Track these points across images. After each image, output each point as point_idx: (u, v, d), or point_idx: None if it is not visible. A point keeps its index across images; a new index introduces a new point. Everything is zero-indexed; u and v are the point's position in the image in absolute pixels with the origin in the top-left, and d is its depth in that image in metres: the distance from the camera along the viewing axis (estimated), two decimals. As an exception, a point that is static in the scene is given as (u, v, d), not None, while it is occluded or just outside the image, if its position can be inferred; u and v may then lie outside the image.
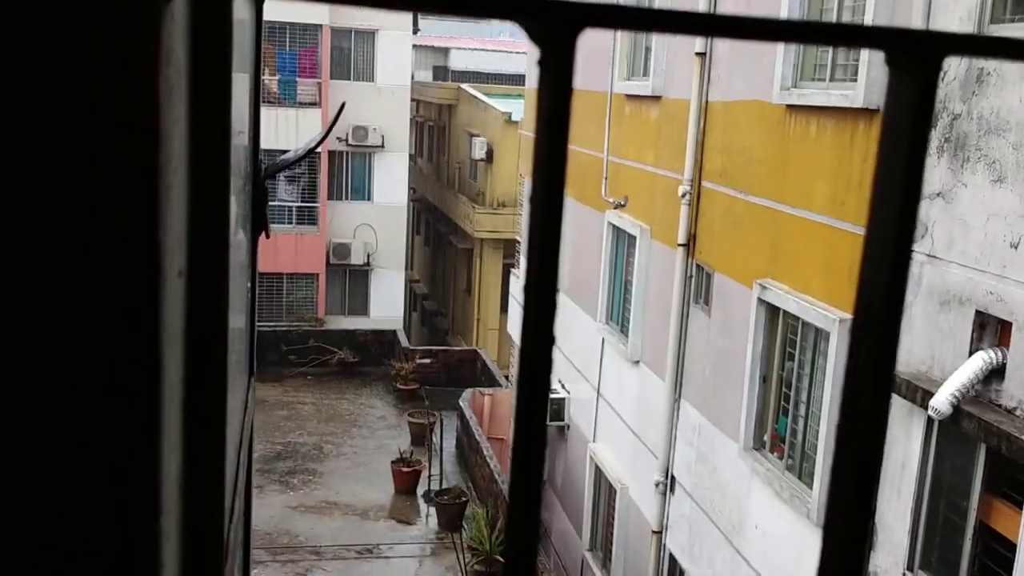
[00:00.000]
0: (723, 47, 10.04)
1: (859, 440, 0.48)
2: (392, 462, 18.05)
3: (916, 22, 6.87)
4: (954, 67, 6.54)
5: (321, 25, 25.30)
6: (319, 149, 25.23)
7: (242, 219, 1.42)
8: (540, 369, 0.46)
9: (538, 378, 0.47)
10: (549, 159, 0.46)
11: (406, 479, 17.83)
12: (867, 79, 7.40)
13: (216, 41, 0.65)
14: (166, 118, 0.47)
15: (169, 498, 0.61)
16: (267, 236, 1.81)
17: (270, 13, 25.50)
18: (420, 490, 17.85)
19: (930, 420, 6.53)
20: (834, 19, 8.17)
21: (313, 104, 25.35)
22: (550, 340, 0.48)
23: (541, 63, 0.45)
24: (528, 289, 0.47)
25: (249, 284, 1.69)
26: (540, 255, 0.48)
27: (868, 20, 7.41)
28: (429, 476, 17.70)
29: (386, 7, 0.43)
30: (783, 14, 8.62)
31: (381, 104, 26.46)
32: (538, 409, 0.49)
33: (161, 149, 0.45)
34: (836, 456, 0.50)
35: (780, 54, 8.68)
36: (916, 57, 0.46)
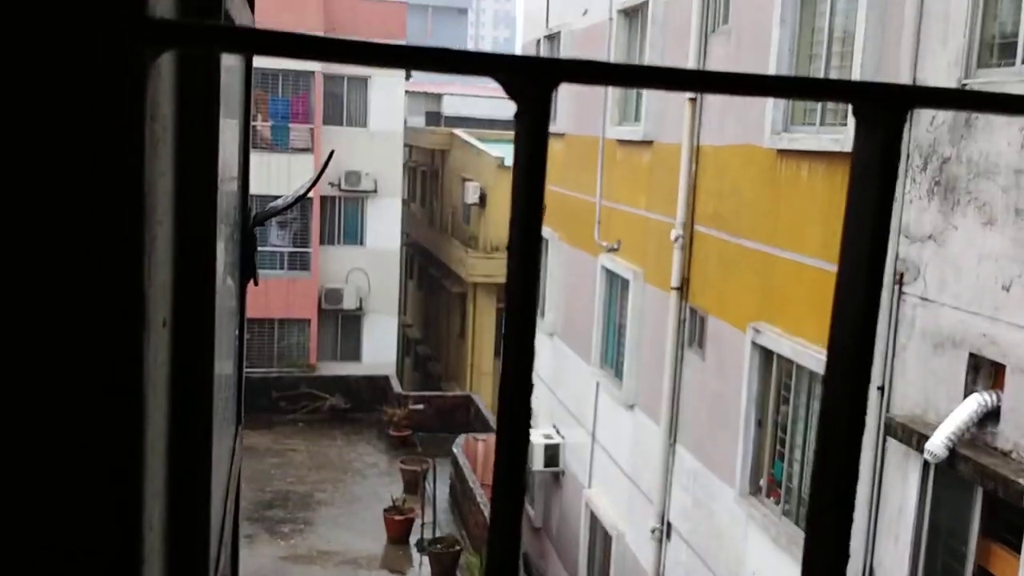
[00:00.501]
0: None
1: (836, 463, 0.48)
2: (384, 510, 17.86)
3: (904, 66, 6.97)
4: (942, 111, 6.63)
5: (314, 72, 25.54)
6: (311, 194, 25.33)
7: (231, 266, 1.41)
8: (519, 415, 0.46)
9: (518, 424, 0.47)
10: (526, 209, 0.46)
11: (399, 528, 17.63)
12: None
13: (203, 96, 0.65)
14: (151, 171, 0.47)
15: (152, 549, 0.60)
16: (255, 283, 1.80)
17: (262, 60, 25.82)
18: (413, 539, 17.64)
19: (926, 464, 6.50)
20: (823, 63, 8.28)
21: (306, 150, 25.49)
22: (528, 386, 0.48)
23: (517, 116, 0.46)
24: (508, 338, 0.47)
25: (237, 331, 1.69)
26: (519, 301, 0.48)
27: (856, 64, 7.51)
28: (422, 524, 17.50)
29: (368, 63, 0.44)
30: (772, 58, 8.74)
31: (374, 149, 26.63)
32: (518, 464, 0.49)
33: (146, 202, 0.45)
34: (814, 486, 0.49)
35: (770, 99, 8.78)
36: (881, 109, 0.47)
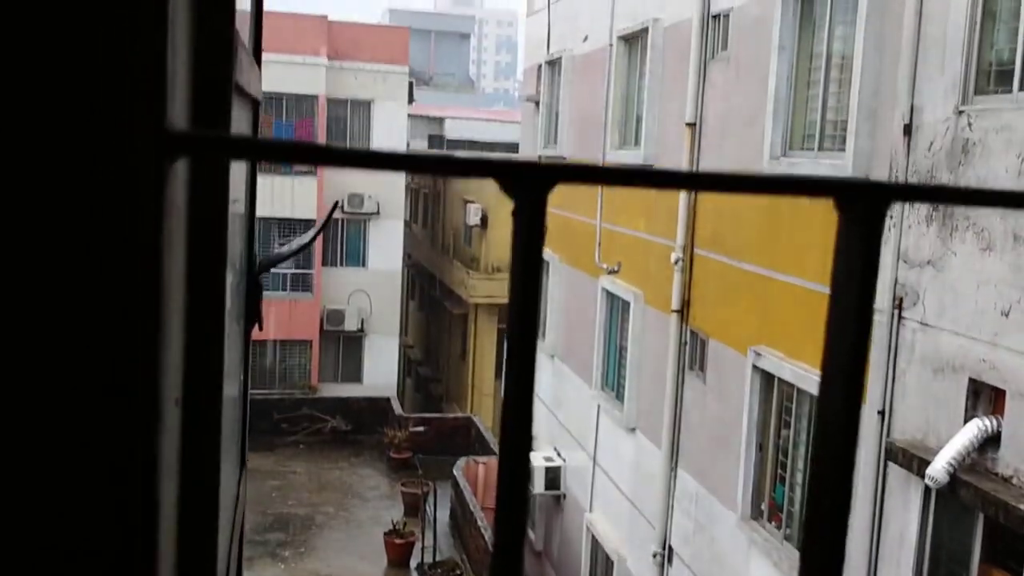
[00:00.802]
0: (713, 117, 10.22)
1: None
2: (385, 533, 17.79)
3: (902, 92, 7.01)
4: (939, 136, 6.66)
5: (317, 96, 25.69)
6: (313, 216, 25.40)
7: (236, 314, 1.44)
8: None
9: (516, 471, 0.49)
10: (523, 303, 0.49)
11: (399, 551, 17.56)
12: (855, 149, 7.53)
13: (214, 193, 0.68)
14: (166, 264, 0.50)
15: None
16: (260, 328, 1.83)
17: (267, 84, 25.79)
18: (413, 562, 17.56)
19: (927, 489, 6.49)
20: (821, 89, 8.33)
21: (309, 173, 25.59)
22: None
23: (515, 214, 0.49)
24: (503, 443, 0.49)
25: (242, 377, 1.71)
26: (515, 385, 0.50)
27: (854, 90, 7.56)
28: (423, 548, 17.43)
29: (370, 168, 0.47)
30: (771, 85, 8.80)
31: (376, 172, 26.70)
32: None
33: (161, 294, 0.48)
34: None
35: (769, 123, 8.84)
36: (862, 205, 0.50)
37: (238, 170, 1.43)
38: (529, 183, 0.49)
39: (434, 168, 0.49)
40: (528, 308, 0.50)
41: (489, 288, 25.49)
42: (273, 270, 25.97)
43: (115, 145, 0.45)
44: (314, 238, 2.62)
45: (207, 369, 0.73)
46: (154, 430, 0.49)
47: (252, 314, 1.70)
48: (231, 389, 1.30)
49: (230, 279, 1.28)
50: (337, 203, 3.38)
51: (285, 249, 2.61)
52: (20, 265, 0.46)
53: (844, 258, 0.52)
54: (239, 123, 1.23)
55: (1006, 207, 0.58)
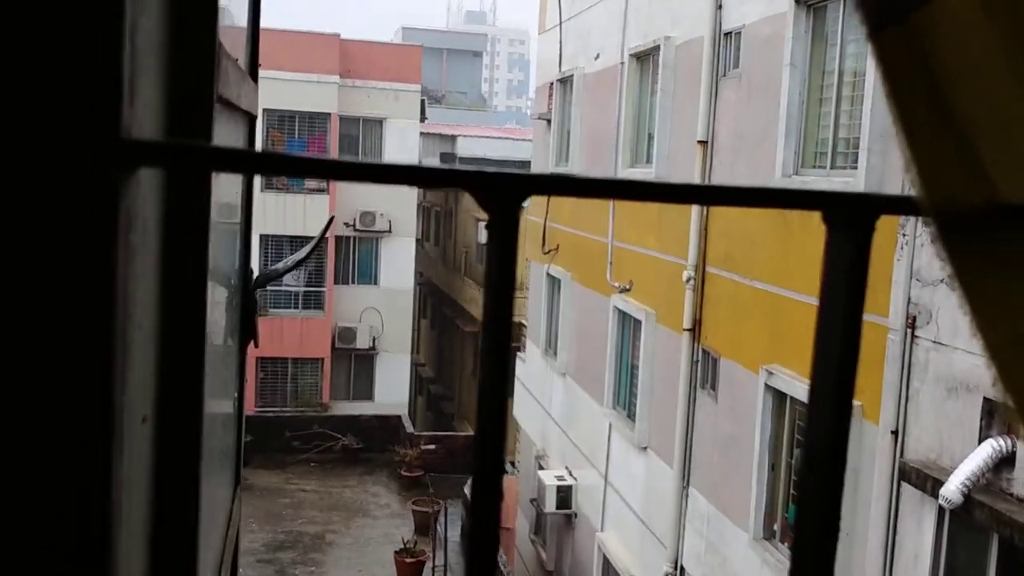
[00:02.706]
0: (725, 134, 10.21)
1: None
2: (395, 552, 17.73)
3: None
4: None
5: (330, 114, 25.82)
6: (326, 235, 25.48)
7: (230, 329, 1.43)
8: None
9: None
10: (494, 314, 0.47)
11: (410, 570, 17.49)
12: (867, 166, 7.49)
13: (193, 206, 0.67)
14: (127, 279, 0.48)
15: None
16: (256, 346, 1.82)
17: (280, 102, 25.75)
18: (425, 581, 17.49)
19: (941, 510, 6.42)
20: (833, 106, 8.31)
21: (321, 191, 25.70)
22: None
23: (488, 226, 0.48)
24: (478, 447, 0.47)
25: (236, 394, 1.70)
26: (490, 384, 0.49)
27: (867, 107, 7.54)
28: (433, 567, 17.36)
29: (341, 179, 0.45)
30: (783, 102, 8.78)
31: (388, 190, 26.74)
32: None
33: (116, 312, 0.46)
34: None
35: (781, 141, 8.82)
36: (850, 218, 0.48)
37: (231, 185, 1.42)
38: (502, 194, 0.48)
39: (404, 179, 0.48)
40: (501, 317, 0.48)
41: (501, 306, 25.47)
42: (285, 288, 26.06)
43: (63, 152, 0.43)
44: (310, 253, 2.61)
45: (184, 386, 0.71)
46: (108, 447, 0.47)
47: (247, 330, 1.69)
48: (221, 405, 1.29)
49: (224, 294, 1.26)
50: (332, 218, 3.39)
51: (281, 265, 2.61)
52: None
53: (832, 271, 0.50)
54: (228, 136, 1.22)
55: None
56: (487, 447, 0.48)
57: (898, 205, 0.50)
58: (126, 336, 0.51)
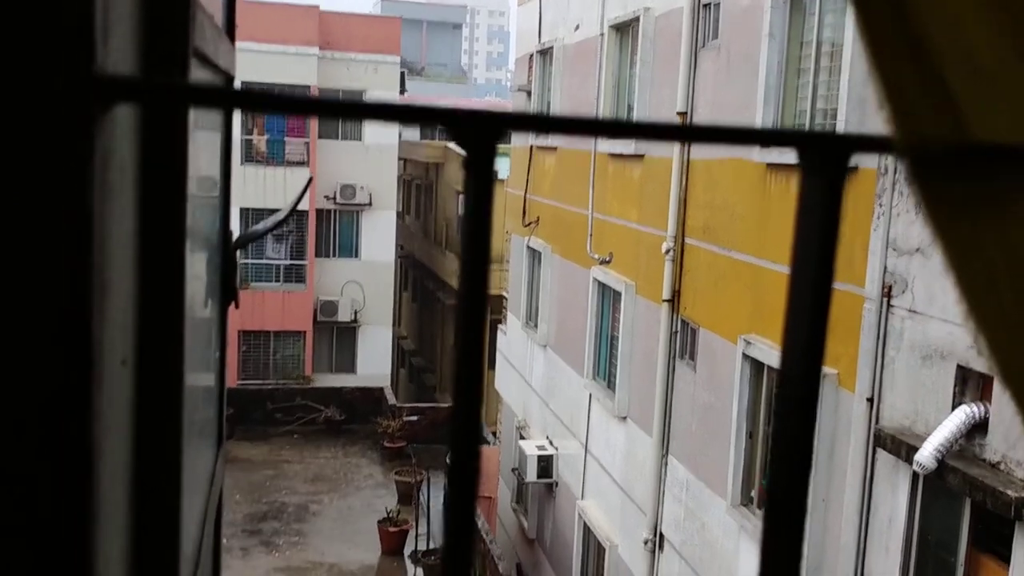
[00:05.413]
0: (704, 105, 10.21)
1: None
2: (379, 522, 17.83)
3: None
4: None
5: (309, 86, 25.60)
6: (306, 208, 25.37)
7: (211, 289, 1.43)
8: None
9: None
10: (472, 252, 0.49)
11: (393, 539, 17.60)
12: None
13: (169, 140, 0.67)
14: (105, 219, 0.49)
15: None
16: (236, 306, 1.82)
17: (258, 75, 25.48)
18: (407, 550, 17.61)
19: (915, 475, 6.52)
20: (811, 76, 8.33)
21: (301, 163, 25.54)
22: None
23: (465, 165, 0.49)
24: (457, 379, 0.49)
25: (218, 353, 1.70)
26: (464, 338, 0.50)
27: (844, 77, 7.56)
28: (416, 536, 17.48)
29: (320, 116, 0.46)
30: (761, 73, 8.79)
31: (369, 163, 26.68)
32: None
33: (93, 250, 0.47)
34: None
35: (760, 111, 8.83)
36: (824, 156, 0.49)
37: (210, 144, 1.41)
38: (478, 130, 0.49)
39: (383, 115, 0.48)
40: (479, 259, 0.50)
41: (482, 278, 25.47)
42: (266, 261, 25.93)
43: (37, 88, 0.44)
44: (290, 213, 2.62)
45: (163, 332, 0.72)
46: (88, 381, 0.48)
47: (228, 290, 1.69)
48: (201, 364, 1.30)
49: (203, 253, 1.27)
50: (311, 178, 3.38)
51: (261, 226, 2.62)
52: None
53: (805, 212, 0.51)
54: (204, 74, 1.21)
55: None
56: (467, 356, 0.48)
57: (872, 144, 0.52)
58: (104, 275, 0.52)
